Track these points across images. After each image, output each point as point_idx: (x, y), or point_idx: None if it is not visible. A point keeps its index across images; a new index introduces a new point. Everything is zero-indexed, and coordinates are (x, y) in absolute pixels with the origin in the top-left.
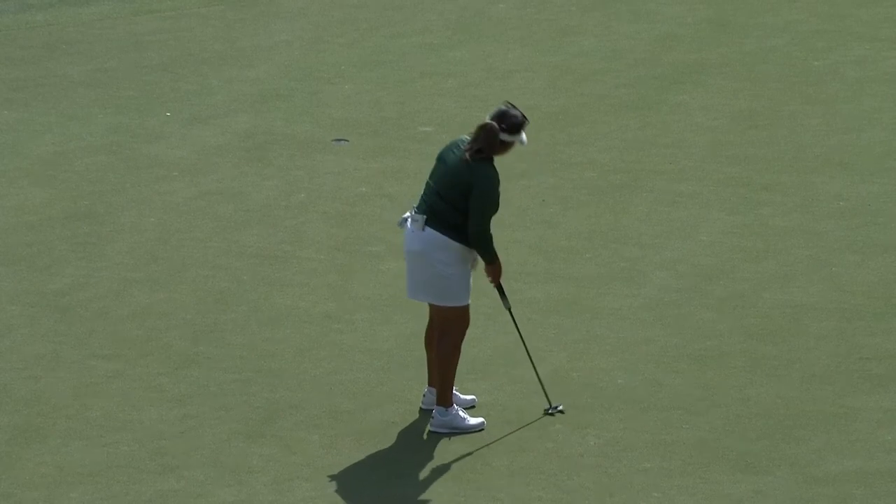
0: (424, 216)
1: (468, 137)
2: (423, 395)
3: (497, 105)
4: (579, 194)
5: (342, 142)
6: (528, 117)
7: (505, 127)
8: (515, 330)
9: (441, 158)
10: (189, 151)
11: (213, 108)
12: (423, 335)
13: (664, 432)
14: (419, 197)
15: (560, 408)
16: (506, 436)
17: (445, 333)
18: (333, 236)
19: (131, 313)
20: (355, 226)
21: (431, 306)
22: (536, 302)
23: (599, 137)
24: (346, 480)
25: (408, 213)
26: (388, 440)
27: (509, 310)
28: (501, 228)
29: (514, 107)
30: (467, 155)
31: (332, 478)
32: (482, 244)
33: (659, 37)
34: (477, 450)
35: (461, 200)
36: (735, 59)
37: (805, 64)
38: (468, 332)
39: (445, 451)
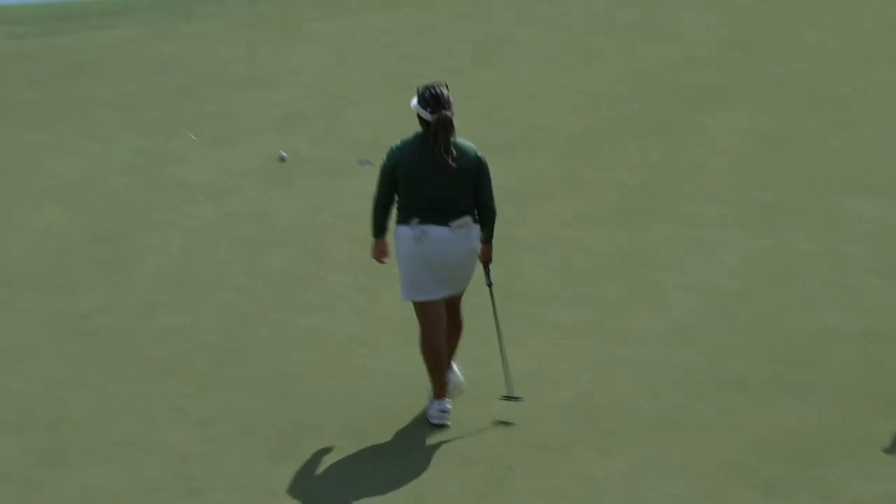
0: (466, 217)
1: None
2: (438, 416)
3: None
4: (603, 217)
5: (366, 164)
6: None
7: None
8: (493, 311)
9: (420, 173)
10: (213, 173)
11: (238, 130)
12: (437, 346)
13: (689, 456)
14: (422, 212)
15: (519, 398)
16: (529, 459)
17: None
18: (357, 258)
19: (155, 335)
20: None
21: (451, 301)
22: (560, 325)
23: (623, 160)
24: (369, 503)
25: (425, 227)
26: (411, 463)
27: (490, 286)
28: (525, 251)
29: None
30: (450, 160)
31: (356, 500)
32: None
33: (682, 60)
34: (500, 472)
35: (470, 187)
36: (759, 81)
37: (829, 87)
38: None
39: (468, 473)
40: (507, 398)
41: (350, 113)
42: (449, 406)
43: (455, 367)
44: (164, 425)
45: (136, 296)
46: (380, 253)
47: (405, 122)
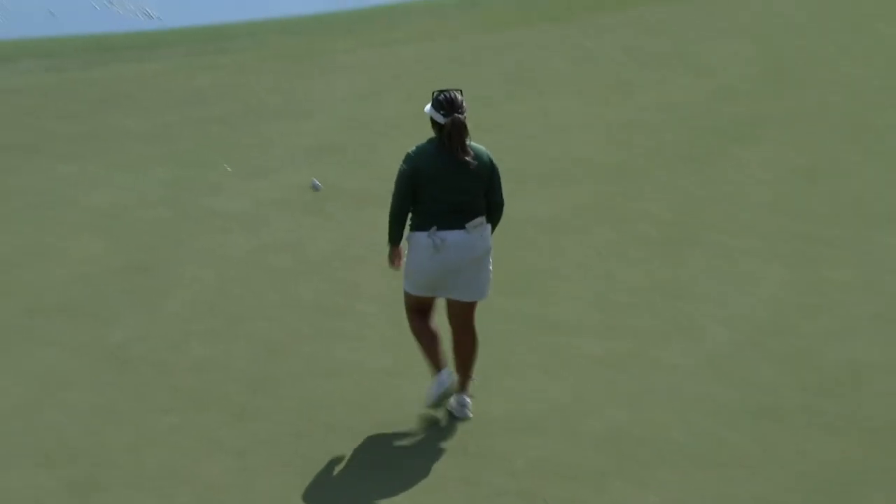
0: (480, 217)
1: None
2: (440, 387)
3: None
4: (637, 248)
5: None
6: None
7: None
8: None
9: (438, 176)
10: (247, 204)
11: (271, 161)
12: (429, 326)
13: (724, 489)
14: (439, 218)
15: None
16: (563, 491)
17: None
18: (390, 289)
19: (189, 365)
20: None
21: (465, 311)
22: (594, 356)
23: (657, 191)
24: None
25: (443, 235)
26: (446, 495)
27: None
28: (559, 281)
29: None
30: (468, 158)
31: None
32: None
33: (716, 91)
34: None
35: (483, 189)
36: (794, 113)
37: (864, 119)
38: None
39: None
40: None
41: (382, 144)
42: (445, 378)
43: (467, 399)
44: (199, 456)
45: (170, 326)
46: (396, 259)
47: None
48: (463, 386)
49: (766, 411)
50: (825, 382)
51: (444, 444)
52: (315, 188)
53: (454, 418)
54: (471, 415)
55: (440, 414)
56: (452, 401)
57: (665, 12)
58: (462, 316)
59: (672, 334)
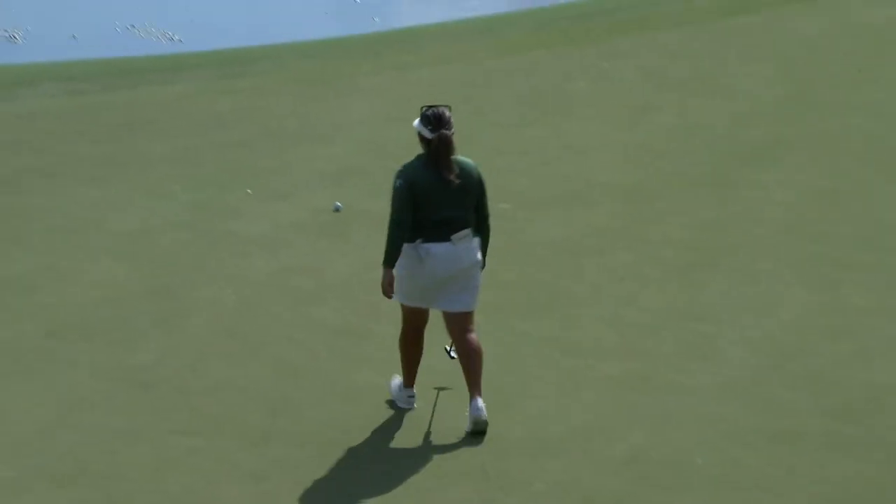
0: (466, 230)
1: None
2: (404, 402)
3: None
4: (656, 271)
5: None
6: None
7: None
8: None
9: (428, 192)
10: (267, 227)
11: (292, 184)
12: (416, 349)
13: None
14: (426, 231)
15: (453, 354)
16: None
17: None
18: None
19: (209, 388)
20: None
21: (460, 322)
22: (612, 378)
23: (676, 214)
24: None
25: (428, 246)
26: None
27: None
28: (578, 304)
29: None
30: (451, 175)
31: None
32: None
33: (736, 114)
34: None
35: (473, 204)
36: (814, 136)
37: (885, 141)
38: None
39: None
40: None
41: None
42: (415, 392)
43: (480, 401)
44: (218, 478)
45: (190, 348)
46: (390, 286)
47: None
48: (473, 394)
49: (786, 434)
50: (845, 405)
51: (463, 468)
52: (336, 210)
53: (473, 441)
54: (486, 415)
55: (459, 437)
56: (470, 408)
57: (683, 35)
58: (459, 325)
59: (691, 357)
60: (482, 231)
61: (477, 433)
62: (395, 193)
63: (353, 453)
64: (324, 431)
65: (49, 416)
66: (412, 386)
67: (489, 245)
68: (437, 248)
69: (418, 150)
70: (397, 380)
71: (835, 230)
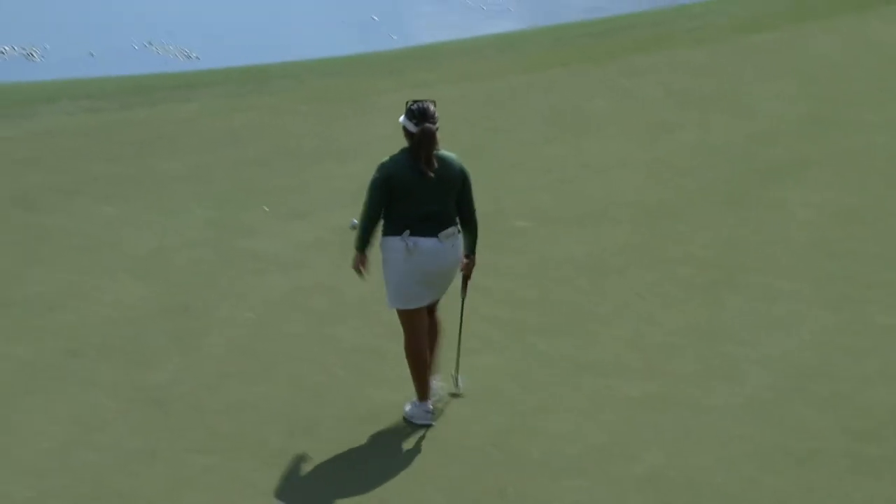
0: (453, 227)
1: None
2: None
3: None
4: (677, 290)
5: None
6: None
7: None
8: (459, 323)
9: (410, 185)
10: (285, 246)
11: (310, 202)
12: (425, 350)
13: None
14: (413, 224)
15: (461, 388)
16: None
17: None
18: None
19: (226, 407)
20: (450, 319)
21: (429, 310)
22: (633, 398)
23: (697, 233)
24: None
25: (416, 240)
26: None
27: (463, 300)
28: (598, 323)
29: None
30: (429, 171)
31: None
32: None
33: (757, 132)
34: None
35: (455, 198)
36: (836, 155)
37: None
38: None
39: None
40: (454, 393)
41: None
42: (431, 407)
43: (437, 384)
44: (234, 498)
45: (208, 368)
46: (360, 264)
47: (478, 195)
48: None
49: (809, 455)
50: (868, 426)
51: (483, 488)
52: (353, 227)
53: (493, 462)
54: (434, 423)
55: (479, 457)
56: (418, 410)
57: (704, 52)
58: (429, 310)
59: (712, 376)
60: (469, 226)
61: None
62: (371, 185)
63: (370, 474)
64: (341, 451)
65: (67, 435)
66: (427, 400)
67: (478, 239)
68: (424, 242)
69: None
70: (411, 403)
71: (857, 248)
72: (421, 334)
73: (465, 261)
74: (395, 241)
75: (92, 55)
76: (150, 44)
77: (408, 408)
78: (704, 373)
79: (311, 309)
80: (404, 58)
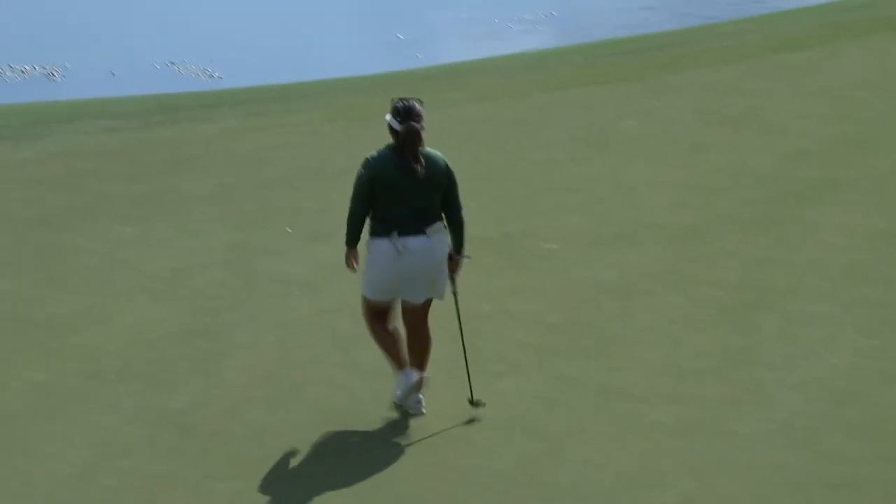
0: (440, 223)
1: (378, 153)
2: (408, 383)
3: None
4: (706, 313)
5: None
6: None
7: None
8: (457, 318)
9: (396, 183)
10: (308, 268)
11: (333, 223)
12: (388, 327)
13: None
14: (400, 224)
15: (482, 402)
16: None
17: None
18: (454, 354)
19: (248, 432)
20: (477, 344)
21: (418, 313)
22: (662, 424)
23: (727, 255)
24: None
25: (405, 240)
26: None
27: (455, 294)
28: (627, 347)
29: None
30: (417, 167)
31: None
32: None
33: (789, 153)
34: None
35: (440, 196)
36: (869, 176)
37: None
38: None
39: None
40: (472, 402)
41: None
42: (416, 378)
43: (420, 393)
44: None
45: (229, 392)
46: (352, 261)
47: (503, 215)
48: (418, 367)
49: (843, 482)
50: None
51: None
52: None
53: (521, 488)
54: (424, 411)
55: (503, 485)
56: (409, 400)
57: (735, 72)
58: (418, 315)
59: (743, 402)
60: (455, 224)
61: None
62: (357, 182)
63: (396, 499)
64: (366, 476)
65: (85, 461)
66: (404, 367)
67: (465, 235)
68: (413, 241)
69: (466, 188)
70: (396, 385)
71: (891, 272)
72: (382, 318)
73: (453, 259)
74: (384, 244)
75: (113, 74)
76: (171, 63)
77: (398, 393)
78: (735, 398)
79: (335, 331)
80: (430, 77)
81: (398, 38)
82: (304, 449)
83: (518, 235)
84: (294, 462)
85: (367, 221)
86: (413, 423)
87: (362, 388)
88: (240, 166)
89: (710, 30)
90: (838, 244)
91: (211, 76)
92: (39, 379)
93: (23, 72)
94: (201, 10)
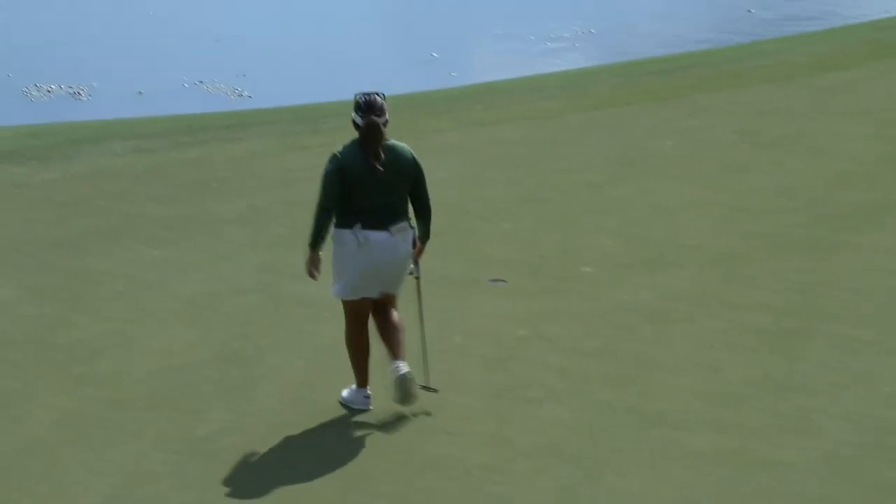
0: (404, 221)
1: (341, 149)
2: (365, 404)
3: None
4: (748, 339)
5: (499, 282)
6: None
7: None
8: (418, 302)
9: (362, 177)
10: None
11: None
12: (363, 339)
13: None
14: (364, 217)
15: (435, 390)
16: None
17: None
18: (490, 381)
19: (280, 460)
20: (513, 370)
21: (384, 297)
22: (702, 453)
23: (770, 279)
24: None
25: (367, 233)
26: None
27: (417, 278)
28: (665, 373)
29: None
30: (377, 162)
31: None
32: (430, 218)
33: (835, 175)
34: None
35: (407, 190)
36: None
37: None
38: None
39: None
40: (425, 388)
41: (482, 228)
42: (370, 392)
43: (403, 363)
44: None
45: (260, 418)
46: (314, 265)
47: (538, 237)
48: (396, 356)
49: None
50: None
51: None
52: (411, 274)
53: None
54: (406, 369)
55: None
56: (358, 396)
57: (776, 91)
58: (384, 306)
59: (787, 431)
60: (423, 216)
61: (401, 382)
62: (325, 177)
63: None
64: None
65: (112, 489)
66: (366, 386)
67: (431, 223)
68: (374, 235)
69: (501, 210)
70: (348, 389)
71: None
72: (362, 325)
73: (416, 246)
74: (346, 234)
75: (141, 94)
76: (200, 82)
77: (345, 393)
78: (778, 427)
79: None
80: (464, 96)
81: (433, 56)
82: (335, 477)
83: (553, 258)
84: (325, 491)
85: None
86: (448, 450)
87: (393, 416)
88: (269, 188)
89: (751, 48)
90: (885, 268)
91: (240, 95)
92: (64, 405)
93: (49, 91)
94: (231, 28)
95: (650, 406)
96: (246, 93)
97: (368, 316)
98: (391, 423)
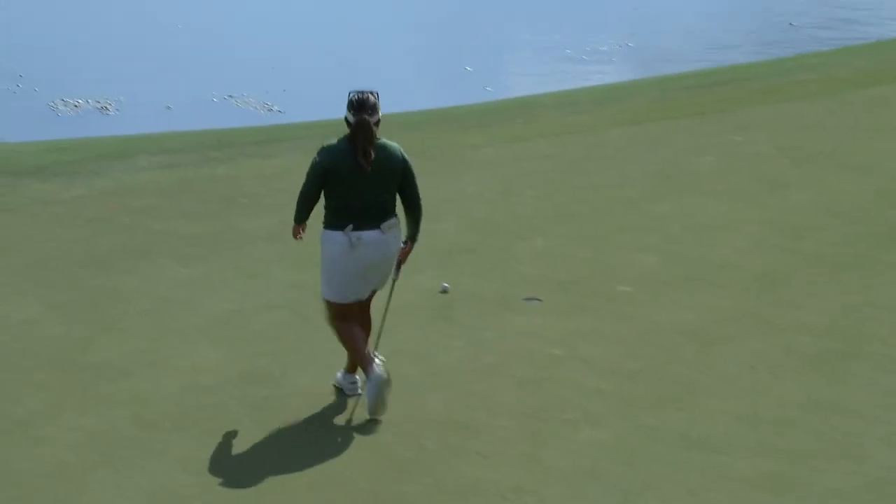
0: (394, 218)
1: (334, 143)
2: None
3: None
4: (791, 361)
5: (534, 301)
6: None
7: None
8: (388, 299)
9: (351, 175)
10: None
11: None
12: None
13: None
14: (354, 217)
15: (382, 359)
16: None
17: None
18: (524, 402)
19: (310, 482)
20: (548, 391)
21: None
22: (745, 478)
23: (813, 299)
24: None
25: (359, 234)
26: None
27: (394, 281)
28: (706, 396)
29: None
30: (365, 161)
31: None
32: (420, 218)
33: (879, 192)
34: None
35: (396, 188)
36: None
37: None
38: None
39: None
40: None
41: (516, 245)
42: (357, 378)
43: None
44: None
45: (289, 439)
46: (298, 232)
47: (574, 255)
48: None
49: None
50: None
51: None
52: (443, 291)
53: None
54: (382, 359)
55: None
56: (346, 380)
57: (819, 106)
58: (363, 304)
59: (832, 455)
60: (413, 214)
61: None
62: (311, 168)
63: None
64: None
65: None
66: (354, 372)
67: (421, 224)
68: (367, 235)
69: (535, 226)
70: (342, 371)
71: None
72: (350, 322)
73: (404, 247)
74: (338, 236)
75: (169, 108)
76: (230, 97)
77: (339, 375)
78: (823, 451)
79: (399, 377)
80: (498, 111)
81: (467, 70)
82: (366, 499)
83: (590, 276)
84: None
85: (323, 212)
86: (482, 473)
87: (428, 437)
88: None
89: (793, 62)
90: None
91: (270, 110)
92: (90, 425)
93: (76, 106)
94: (261, 41)
95: (691, 429)
96: (276, 108)
97: (356, 316)
98: (423, 447)
